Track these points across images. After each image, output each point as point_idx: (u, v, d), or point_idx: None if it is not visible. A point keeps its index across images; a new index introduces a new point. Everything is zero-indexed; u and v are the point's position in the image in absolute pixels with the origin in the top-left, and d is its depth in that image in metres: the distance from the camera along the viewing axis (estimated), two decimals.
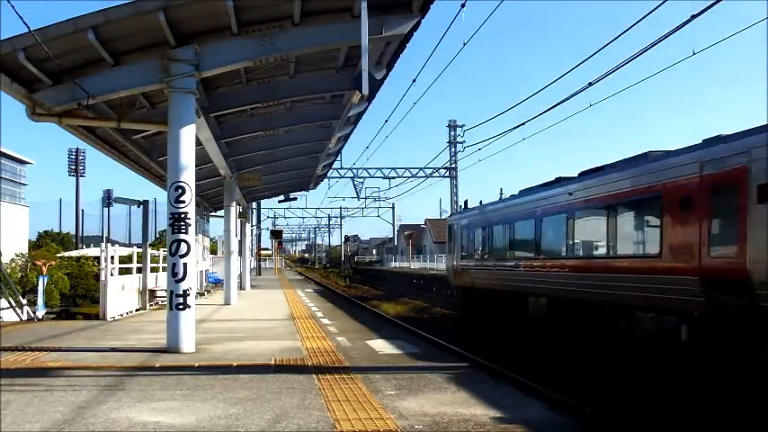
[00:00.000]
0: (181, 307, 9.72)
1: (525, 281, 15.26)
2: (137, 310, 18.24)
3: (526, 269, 15.38)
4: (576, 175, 13.69)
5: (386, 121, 26.97)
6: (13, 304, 21.58)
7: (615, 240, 11.70)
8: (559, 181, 14.55)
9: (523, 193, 16.56)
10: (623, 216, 11.68)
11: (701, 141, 9.77)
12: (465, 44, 14.80)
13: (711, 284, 8.82)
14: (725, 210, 8.84)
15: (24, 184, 47.75)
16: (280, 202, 38.74)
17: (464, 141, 40.99)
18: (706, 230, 9.05)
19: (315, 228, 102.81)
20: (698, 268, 9.07)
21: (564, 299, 13.20)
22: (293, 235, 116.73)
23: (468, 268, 19.86)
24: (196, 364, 8.77)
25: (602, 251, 12.31)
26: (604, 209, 12.04)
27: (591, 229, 12.86)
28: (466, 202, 22.69)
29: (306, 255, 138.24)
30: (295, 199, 39.11)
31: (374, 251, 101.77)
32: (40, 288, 20.80)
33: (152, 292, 19.63)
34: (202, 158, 16.11)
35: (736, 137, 8.90)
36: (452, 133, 41.52)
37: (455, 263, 21.10)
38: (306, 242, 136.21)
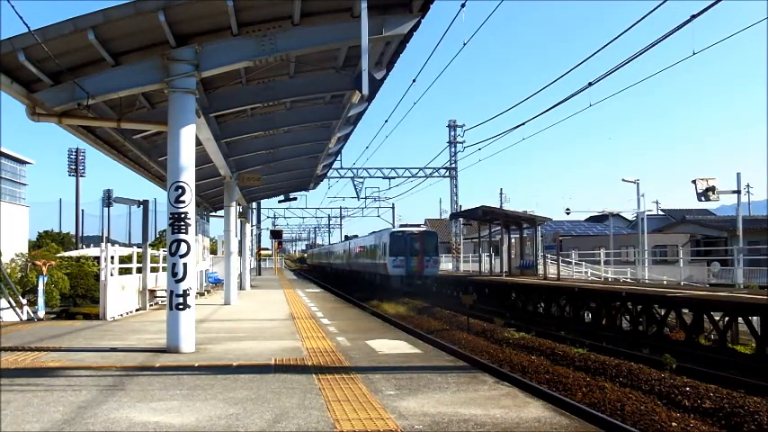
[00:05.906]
0: (181, 307, 9.73)
1: None
2: (137, 310, 18.25)
3: None
4: None
5: (386, 121, 26.97)
6: (13, 304, 21.65)
7: None
8: None
9: None
10: None
11: None
12: (465, 44, 14.84)
13: None
14: None
15: (24, 184, 47.76)
16: (280, 202, 38.73)
17: (464, 141, 41.03)
18: None
19: (315, 228, 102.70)
20: None
21: None
22: (293, 235, 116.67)
23: None
24: (196, 364, 8.78)
25: None
26: None
27: None
28: None
29: (306, 255, 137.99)
30: (295, 199, 39.16)
31: None
32: (40, 288, 20.79)
33: (152, 292, 19.64)
34: (202, 158, 16.12)
35: None
36: (452, 133, 41.46)
37: None
38: (306, 242, 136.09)
